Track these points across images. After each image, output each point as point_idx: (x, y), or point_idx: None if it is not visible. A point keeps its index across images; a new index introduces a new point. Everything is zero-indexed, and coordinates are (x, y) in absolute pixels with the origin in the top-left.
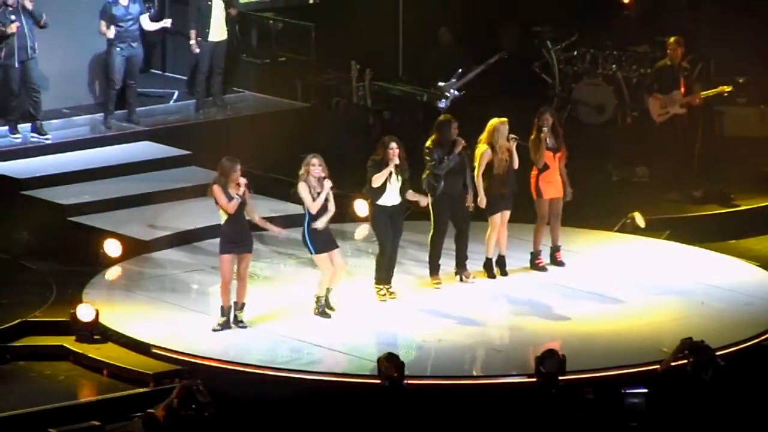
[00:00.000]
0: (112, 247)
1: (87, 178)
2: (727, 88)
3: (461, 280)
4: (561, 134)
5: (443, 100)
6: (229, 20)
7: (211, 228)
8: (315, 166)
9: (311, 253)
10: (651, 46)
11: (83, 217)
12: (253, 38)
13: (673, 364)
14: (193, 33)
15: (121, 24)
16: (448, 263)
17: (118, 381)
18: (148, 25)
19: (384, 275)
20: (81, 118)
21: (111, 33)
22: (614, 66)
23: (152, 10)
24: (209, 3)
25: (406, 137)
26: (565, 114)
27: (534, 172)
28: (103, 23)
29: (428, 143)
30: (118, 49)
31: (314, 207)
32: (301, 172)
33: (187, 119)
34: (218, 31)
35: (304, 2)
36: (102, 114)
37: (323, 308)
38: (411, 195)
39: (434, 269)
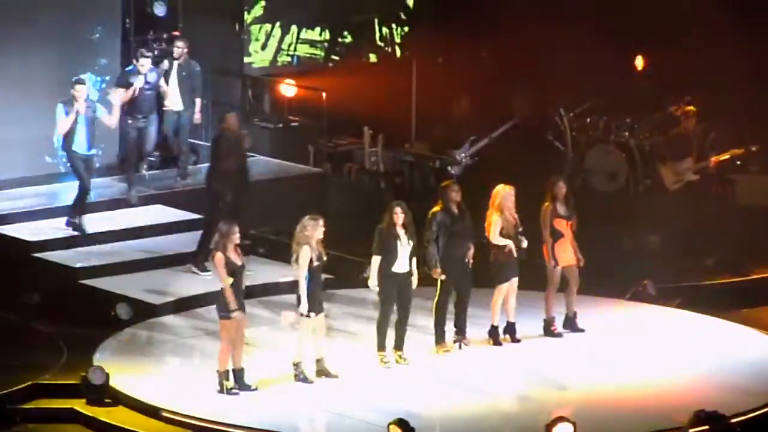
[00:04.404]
0: (122, 311)
1: (99, 240)
2: (739, 151)
3: (459, 347)
4: (572, 202)
5: (456, 167)
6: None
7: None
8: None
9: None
10: (664, 114)
11: (94, 280)
12: (266, 103)
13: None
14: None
15: (139, 95)
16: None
17: None
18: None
19: (385, 341)
20: (93, 181)
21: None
22: (627, 133)
23: (157, 74)
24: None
25: (417, 203)
26: (578, 181)
27: (549, 240)
28: (119, 91)
29: (434, 209)
30: (129, 121)
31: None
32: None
33: (199, 183)
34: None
35: (318, 67)
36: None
37: (303, 374)
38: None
39: (440, 336)
